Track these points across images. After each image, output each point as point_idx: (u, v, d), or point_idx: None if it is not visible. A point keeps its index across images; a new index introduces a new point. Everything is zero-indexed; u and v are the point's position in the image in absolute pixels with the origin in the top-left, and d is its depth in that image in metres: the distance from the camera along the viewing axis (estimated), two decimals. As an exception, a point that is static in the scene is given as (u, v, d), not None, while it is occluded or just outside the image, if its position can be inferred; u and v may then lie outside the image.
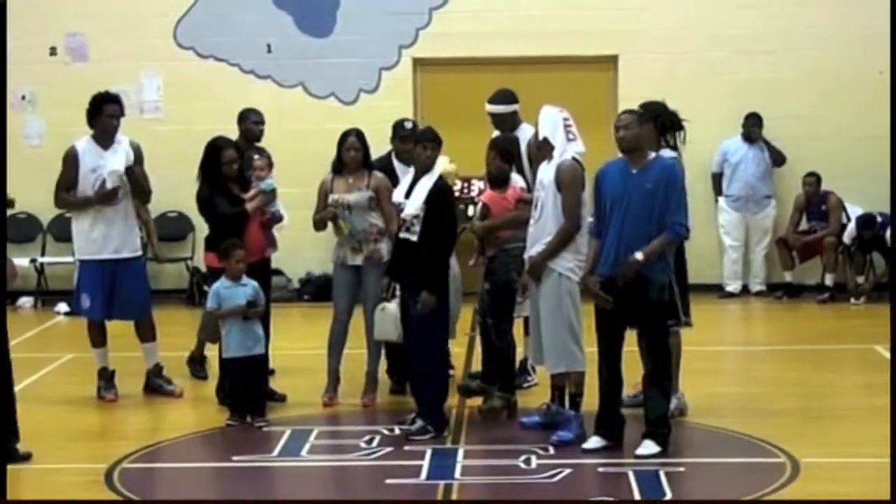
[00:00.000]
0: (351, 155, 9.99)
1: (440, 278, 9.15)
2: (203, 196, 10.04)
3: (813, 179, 15.39)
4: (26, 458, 8.44)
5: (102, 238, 10.33)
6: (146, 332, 10.61)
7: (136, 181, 10.38)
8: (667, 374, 8.66)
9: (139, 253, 10.64)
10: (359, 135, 10.06)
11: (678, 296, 9.19)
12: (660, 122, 9.29)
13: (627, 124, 8.59)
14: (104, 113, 10.31)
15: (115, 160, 10.32)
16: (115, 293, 10.41)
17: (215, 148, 10.04)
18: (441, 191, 9.23)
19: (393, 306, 9.49)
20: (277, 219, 10.38)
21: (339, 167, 10.08)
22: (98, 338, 10.56)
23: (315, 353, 10.67)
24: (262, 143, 11.37)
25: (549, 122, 9.06)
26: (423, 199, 9.16)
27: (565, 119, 9.05)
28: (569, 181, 8.89)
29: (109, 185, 10.23)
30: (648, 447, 8.47)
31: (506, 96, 10.55)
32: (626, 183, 8.54)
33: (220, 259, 9.71)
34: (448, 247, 9.31)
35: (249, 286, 9.65)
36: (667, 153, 9.14)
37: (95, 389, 10.46)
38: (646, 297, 8.46)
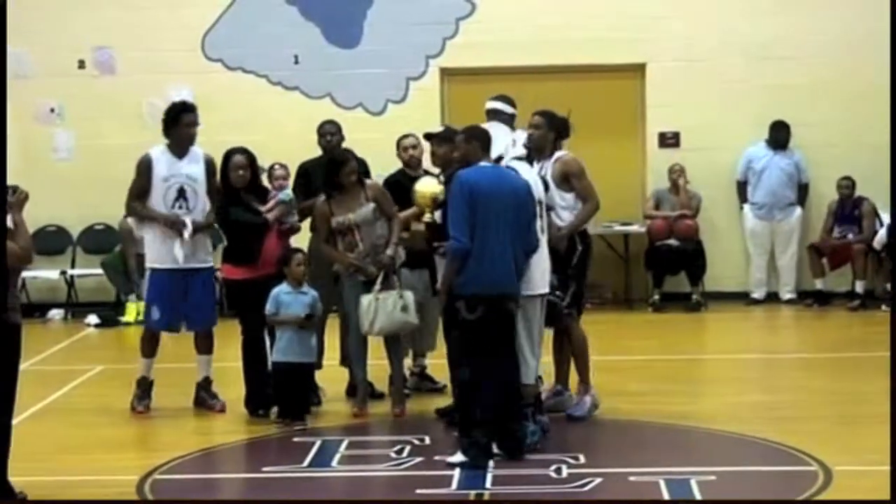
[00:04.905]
0: (352, 179, 9.91)
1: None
2: (218, 207, 10.17)
3: (848, 182, 15.39)
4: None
5: (174, 247, 10.20)
6: (205, 344, 10.47)
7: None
8: (459, 384, 8.83)
9: (210, 263, 10.53)
10: (354, 156, 10.04)
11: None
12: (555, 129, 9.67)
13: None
14: (182, 122, 10.25)
15: (190, 169, 10.25)
16: (186, 304, 10.32)
17: (224, 157, 10.18)
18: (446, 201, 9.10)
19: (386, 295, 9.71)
20: (295, 230, 10.39)
21: (331, 192, 9.93)
22: (151, 348, 10.43)
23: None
24: (284, 155, 11.21)
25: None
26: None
27: None
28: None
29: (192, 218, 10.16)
30: (456, 456, 8.53)
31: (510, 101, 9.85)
32: None
33: (278, 265, 9.76)
34: None
35: (309, 295, 9.69)
36: (560, 154, 9.63)
37: (129, 400, 10.38)
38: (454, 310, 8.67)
